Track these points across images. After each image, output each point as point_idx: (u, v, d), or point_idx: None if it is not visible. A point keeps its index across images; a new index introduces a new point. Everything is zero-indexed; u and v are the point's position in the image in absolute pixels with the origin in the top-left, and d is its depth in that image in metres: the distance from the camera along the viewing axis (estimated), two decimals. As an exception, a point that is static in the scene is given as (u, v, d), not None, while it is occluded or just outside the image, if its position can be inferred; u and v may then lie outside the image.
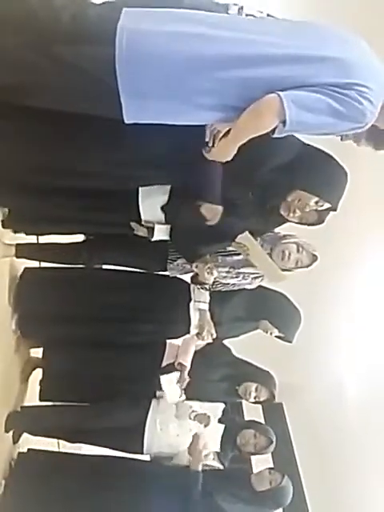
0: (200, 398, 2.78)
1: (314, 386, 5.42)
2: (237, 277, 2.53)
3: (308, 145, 2.14)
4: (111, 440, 2.64)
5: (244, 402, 3.01)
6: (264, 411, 4.98)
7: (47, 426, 2.65)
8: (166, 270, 2.59)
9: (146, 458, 2.75)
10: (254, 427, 2.80)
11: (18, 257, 2.57)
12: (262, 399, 2.84)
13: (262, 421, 4.29)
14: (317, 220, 2.26)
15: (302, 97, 1.49)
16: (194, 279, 2.56)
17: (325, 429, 5.25)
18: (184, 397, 2.73)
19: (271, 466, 3.76)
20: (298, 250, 2.44)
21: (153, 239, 2.33)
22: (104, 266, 2.83)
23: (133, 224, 2.32)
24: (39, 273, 2.73)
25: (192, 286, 2.59)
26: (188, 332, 2.61)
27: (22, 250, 2.56)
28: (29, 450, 2.69)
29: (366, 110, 1.53)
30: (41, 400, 2.75)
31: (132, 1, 1.61)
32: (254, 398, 2.81)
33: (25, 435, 2.68)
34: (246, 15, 1.81)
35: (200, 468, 2.50)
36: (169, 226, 2.33)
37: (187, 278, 2.64)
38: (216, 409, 2.84)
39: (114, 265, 2.72)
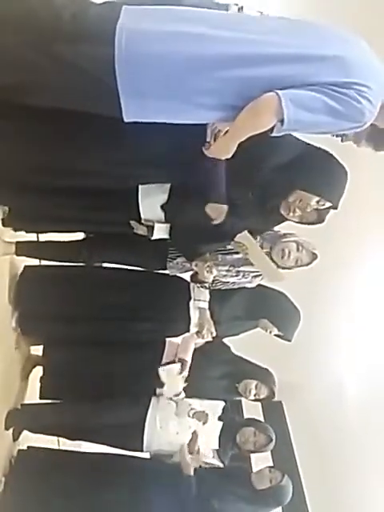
0: (199, 396, 2.79)
1: (314, 385, 5.42)
2: (236, 275, 2.53)
3: (308, 144, 2.14)
4: (111, 437, 2.64)
5: (243, 400, 3.01)
6: (263, 410, 4.99)
7: (47, 423, 2.65)
8: (165, 269, 2.60)
9: (146, 455, 2.76)
10: (253, 425, 2.81)
11: (18, 255, 2.58)
12: (261, 397, 2.85)
13: (262, 419, 4.28)
14: (317, 219, 2.26)
15: (301, 96, 1.49)
16: (194, 278, 2.57)
17: (324, 428, 5.25)
18: (183, 394, 2.73)
19: (271, 464, 3.77)
20: (297, 249, 2.44)
21: (153, 238, 2.33)
22: (104, 265, 2.84)
23: (132, 223, 2.33)
24: (39, 271, 2.74)
25: (192, 284, 2.59)
26: (188, 330, 2.61)
27: (22, 248, 2.57)
28: (28, 447, 2.69)
29: (365, 109, 1.53)
30: (41, 398, 2.75)
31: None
32: (254, 395, 2.82)
33: (25, 433, 2.68)
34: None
35: (192, 472, 2.49)
36: (168, 225, 2.33)
37: (187, 276, 2.65)
38: (216, 407, 2.84)
39: (113, 263, 2.73)
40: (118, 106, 1.53)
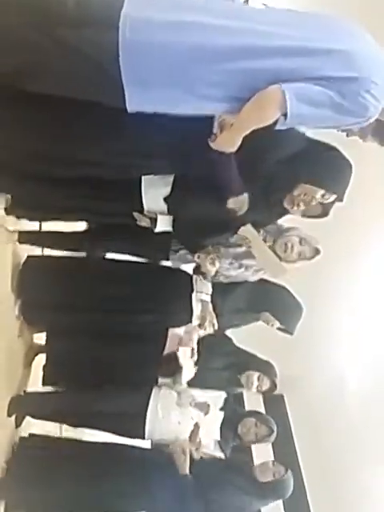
0: (202, 387, 2.79)
1: (315, 379, 5.42)
2: (239, 268, 2.53)
3: (311, 137, 2.13)
4: (113, 425, 2.66)
5: (245, 393, 3.02)
6: (265, 403, 5.00)
7: (50, 410, 2.67)
8: (168, 261, 2.60)
9: (147, 444, 2.78)
10: (255, 416, 2.82)
11: (20, 242, 2.59)
12: (263, 388, 2.85)
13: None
14: (321, 213, 2.25)
15: (305, 90, 1.49)
16: (196, 270, 2.57)
17: (326, 421, 5.26)
18: (186, 385, 2.75)
19: (272, 457, 3.79)
20: (300, 243, 2.44)
21: (156, 230, 2.33)
22: (106, 256, 2.85)
23: (135, 214, 2.33)
24: (42, 260, 2.75)
25: (194, 276, 2.60)
26: (190, 322, 2.62)
27: (24, 236, 2.58)
28: (30, 434, 2.72)
29: (370, 104, 1.53)
30: (44, 385, 2.77)
31: None
32: (256, 387, 2.83)
33: (27, 419, 2.71)
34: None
35: (187, 471, 2.50)
36: (171, 217, 2.33)
37: (189, 268, 2.65)
38: (217, 398, 2.84)
39: (116, 254, 2.73)
40: (121, 96, 1.53)
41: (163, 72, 1.50)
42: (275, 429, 2.78)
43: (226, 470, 2.64)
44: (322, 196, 2.13)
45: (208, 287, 2.59)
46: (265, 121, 1.55)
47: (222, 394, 2.87)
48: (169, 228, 2.35)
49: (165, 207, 2.29)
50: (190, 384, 2.74)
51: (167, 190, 2.25)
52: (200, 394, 2.76)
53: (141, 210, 2.32)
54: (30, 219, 2.57)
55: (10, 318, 2.62)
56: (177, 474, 2.50)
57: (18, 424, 2.67)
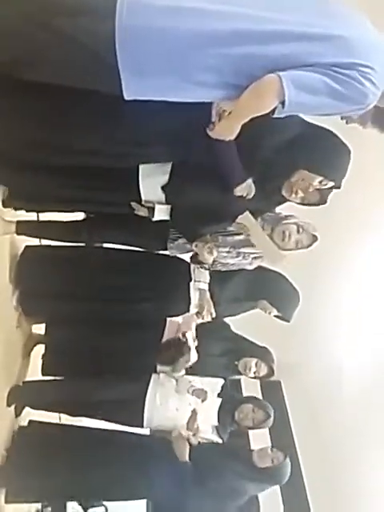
0: (199, 373, 2.81)
1: (313, 366, 5.45)
2: (237, 257, 2.52)
3: (310, 123, 2.11)
4: (112, 413, 2.67)
5: (242, 379, 3.04)
6: (262, 389, 5.02)
7: (49, 399, 2.68)
8: (166, 250, 2.60)
9: (146, 431, 2.79)
10: (252, 402, 2.84)
11: (18, 233, 2.58)
12: (261, 374, 2.88)
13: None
14: (319, 200, 2.24)
15: (302, 77, 1.47)
16: (194, 259, 2.57)
17: (323, 408, 5.28)
18: (183, 372, 2.76)
19: (269, 443, 3.82)
20: (298, 231, 2.44)
21: (154, 219, 2.32)
22: (104, 245, 2.84)
23: (133, 204, 2.32)
24: (40, 251, 2.74)
25: (192, 265, 2.60)
26: (188, 311, 2.62)
27: (22, 227, 2.57)
28: (30, 421, 2.73)
29: (368, 91, 1.52)
30: (43, 375, 2.78)
31: None
32: (254, 373, 2.85)
33: (26, 410, 2.72)
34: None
35: (187, 458, 2.52)
36: (169, 206, 2.32)
37: (187, 257, 2.65)
38: (215, 384, 2.87)
39: (114, 244, 2.73)
40: (118, 83, 1.51)
41: (161, 57, 1.48)
42: (272, 414, 2.81)
43: (224, 455, 2.67)
44: (320, 182, 2.12)
45: (206, 276, 2.59)
46: (263, 109, 1.54)
47: (220, 381, 2.89)
48: (167, 217, 2.34)
49: (163, 196, 2.27)
50: (188, 371, 2.76)
51: (165, 179, 2.23)
52: (198, 381, 2.78)
53: (139, 200, 2.31)
54: (28, 211, 2.55)
55: (8, 309, 2.62)
56: (176, 461, 2.52)
57: (17, 414, 2.68)
